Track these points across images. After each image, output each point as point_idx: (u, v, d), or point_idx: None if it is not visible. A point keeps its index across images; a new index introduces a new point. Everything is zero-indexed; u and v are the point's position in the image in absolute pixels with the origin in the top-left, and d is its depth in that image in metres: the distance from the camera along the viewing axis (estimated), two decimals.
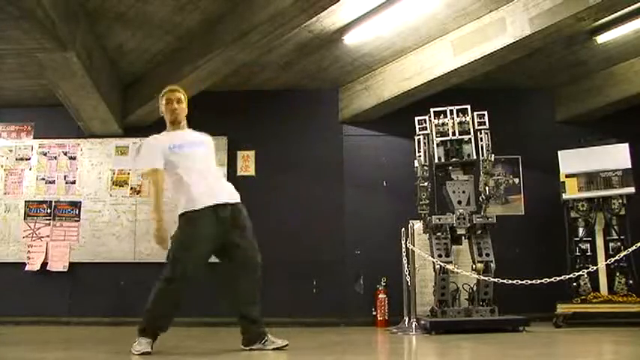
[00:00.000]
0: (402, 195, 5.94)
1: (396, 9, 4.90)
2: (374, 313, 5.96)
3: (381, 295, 5.92)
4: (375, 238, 6.18)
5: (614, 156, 5.56)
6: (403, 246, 5.47)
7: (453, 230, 5.15)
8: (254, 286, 3.85)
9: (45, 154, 6.58)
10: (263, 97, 6.54)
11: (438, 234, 5.19)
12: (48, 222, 6.41)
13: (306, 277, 6.16)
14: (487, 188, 5.14)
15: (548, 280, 4.75)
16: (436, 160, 5.30)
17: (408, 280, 5.29)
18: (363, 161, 6.51)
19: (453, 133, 5.30)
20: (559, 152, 5.76)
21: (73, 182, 6.51)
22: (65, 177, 6.52)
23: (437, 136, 5.31)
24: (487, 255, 5.03)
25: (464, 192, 5.28)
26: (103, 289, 6.24)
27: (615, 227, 5.47)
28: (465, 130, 5.29)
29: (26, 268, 6.25)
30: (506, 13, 5.01)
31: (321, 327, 5.82)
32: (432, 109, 5.40)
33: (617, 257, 4.99)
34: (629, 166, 5.47)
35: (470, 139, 5.28)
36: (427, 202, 5.25)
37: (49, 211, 6.44)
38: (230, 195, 3.87)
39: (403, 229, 5.51)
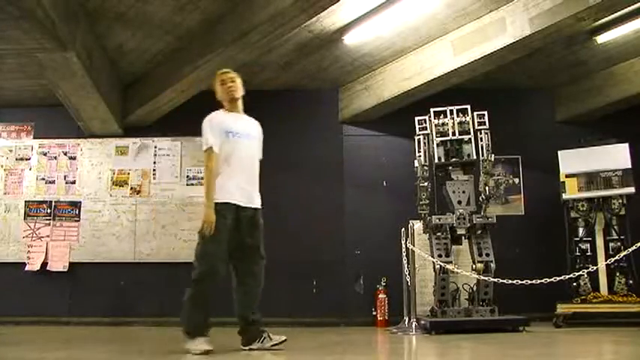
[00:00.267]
0: (402, 195, 5.94)
1: (396, 9, 4.90)
2: (374, 313, 5.96)
3: (381, 295, 5.92)
4: (375, 238, 6.18)
5: (614, 156, 5.56)
6: (403, 246, 5.47)
7: (453, 230, 5.15)
8: (258, 290, 3.90)
9: (45, 154, 6.58)
10: (263, 97, 6.50)
11: (438, 234, 5.19)
12: (48, 222, 6.42)
13: (306, 277, 6.16)
14: (487, 188, 5.14)
15: (548, 280, 4.75)
16: (436, 160, 5.30)
17: (408, 280, 5.29)
18: (363, 161, 6.51)
19: (453, 133, 5.30)
20: (559, 152, 5.76)
21: (73, 182, 6.51)
22: (65, 177, 6.53)
23: (437, 136, 5.31)
24: (487, 255, 5.03)
25: (464, 192, 5.28)
26: (103, 289, 6.24)
27: (615, 227, 5.47)
28: (465, 130, 5.29)
29: (26, 268, 6.25)
30: (506, 13, 5.01)
31: (321, 327, 5.82)
32: (432, 109, 5.40)
33: (617, 257, 4.99)
34: (629, 166, 5.47)
35: (470, 139, 5.28)
36: (427, 202, 5.25)
37: (49, 211, 6.44)
38: (257, 199, 3.96)
39: (403, 229, 5.52)
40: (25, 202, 6.46)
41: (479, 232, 5.14)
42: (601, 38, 5.44)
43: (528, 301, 5.31)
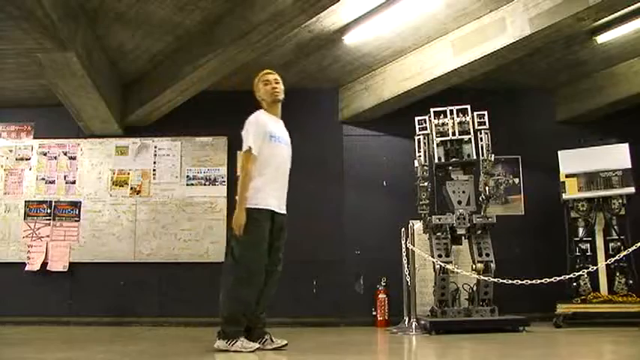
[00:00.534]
0: (402, 195, 5.94)
1: (396, 9, 4.90)
2: (374, 313, 5.95)
3: (381, 295, 5.92)
4: (375, 238, 6.18)
5: (614, 156, 5.55)
6: (403, 246, 5.47)
7: (453, 230, 5.15)
8: (272, 291, 3.95)
9: (45, 154, 6.58)
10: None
11: (438, 234, 5.19)
12: (48, 222, 6.41)
13: (306, 277, 6.16)
14: (487, 188, 5.14)
15: (548, 280, 4.75)
16: (436, 160, 5.30)
17: (408, 280, 5.29)
18: (363, 161, 6.50)
19: (453, 133, 5.30)
20: (559, 152, 5.76)
21: (73, 182, 6.51)
22: (65, 177, 6.52)
23: (437, 136, 5.31)
24: (487, 255, 5.03)
25: (464, 192, 5.28)
26: (103, 289, 6.24)
27: (615, 227, 5.47)
28: (465, 130, 5.29)
29: (26, 268, 6.25)
30: (506, 13, 5.01)
31: (321, 327, 5.82)
32: (432, 109, 5.40)
33: (617, 257, 4.99)
34: (629, 166, 5.47)
35: (470, 139, 5.28)
36: (427, 202, 5.25)
37: (49, 211, 6.44)
38: (285, 205, 3.97)
39: (403, 229, 5.52)
40: (25, 202, 6.46)
41: (479, 232, 5.14)
42: (601, 38, 5.44)
43: (528, 301, 5.32)
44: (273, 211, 3.86)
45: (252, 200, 3.80)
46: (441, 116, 5.36)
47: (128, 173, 6.50)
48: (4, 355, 3.79)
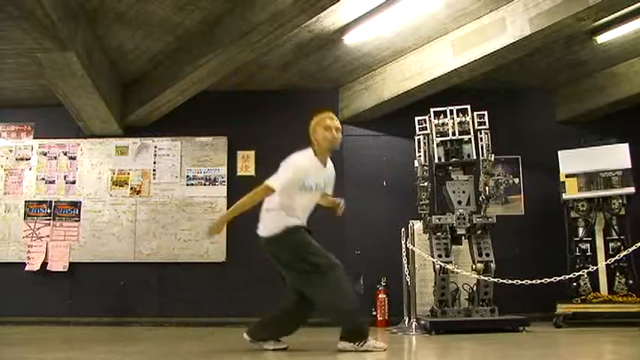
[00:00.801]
0: (402, 195, 5.94)
1: (396, 9, 4.90)
2: (374, 313, 5.95)
3: (381, 295, 5.92)
4: (375, 238, 6.18)
5: (614, 156, 5.55)
6: (403, 246, 5.47)
7: (453, 230, 5.15)
8: None
9: (45, 154, 6.58)
10: (263, 97, 6.54)
11: (438, 234, 5.19)
12: (48, 222, 6.41)
13: None
14: (487, 188, 5.14)
15: (548, 280, 4.75)
16: (436, 160, 5.30)
17: (408, 280, 5.29)
18: (363, 161, 6.50)
19: (453, 133, 5.30)
20: (559, 152, 5.76)
21: (73, 182, 6.51)
22: (65, 177, 6.52)
23: (437, 136, 5.31)
24: (487, 255, 5.03)
25: (464, 192, 5.28)
26: (103, 289, 6.24)
27: (615, 227, 5.47)
28: (465, 130, 5.29)
29: (26, 268, 6.25)
30: (507, 13, 5.01)
31: (321, 327, 5.81)
32: (432, 109, 5.40)
33: (617, 257, 4.99)
34: (629, 166, 5.47)
35: (470, 139, 5.28)
36: (427, 202, 5.25)
37: (49, 211, 6.44)
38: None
39: (403, 229, 5.51)
40: (25, 202, 6.46)
41: (479, 232, 5.14)
42: (601, 38, 5.44)
43: (528, 301, 5.31)
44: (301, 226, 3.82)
45: (280, 226, 3.74)
46: (441, 116, 5.36)
47: (128, 173, 6.50)
48: (4, 355, 3.79)
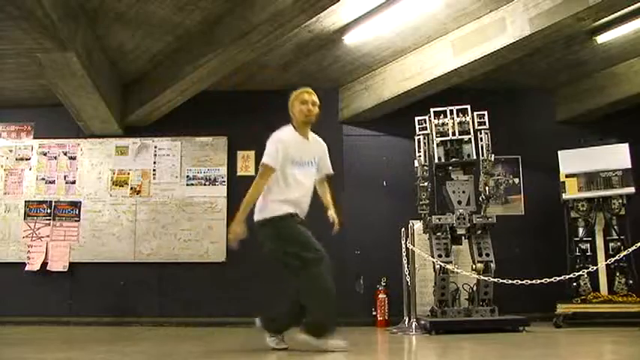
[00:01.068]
0: (402, 195, 5.94)
1: (396, 9, 4.90)
2: (374, 313, 5.95)
3: (381, 295, 5.92)
4: (375, 238, 6.18)
5: (614, 156, 5.55)
6: (403, 246, 5.47)
7: (453, 230, 5.15)
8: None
9: (45, 154, 6.58)
10: (263, 97, 6.53)
11: (438, 234, 5.19)
12: (48, 222, 6.41)
13: None
14: (487, 188, 5.14)
15: (548, 280, 4.75)
16: (436, 160, 5.30)
17: (408, 280, 5.29)
18: (363, 161, 6.51)
19: (453, 133, 5.30)
20: (559, 152, 5.76)
21: (73, 182, 6.51)
22: (65, 177, 6.52)
23: (437, 136, 5.31)
24: (487, 255, 5.03)
25: (464, 192, 5.28)
26: (103, 289, 6.24)
27: (615, 227, 5.47)
28: (465, 130, 5.29)
29: (26, 268, 6.25)
30: (507, 13, 5.01)
31: None
32: (432, 109, 5.40)
33: (617, 257, 4.99)
34: (629, 166, 5.47)
35: (470, 139, 5.28)
36: (427, 202, 5.25)
37: (49, 211, 6.44)
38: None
39: (403, 229, 5.51)
40: (25, 202, 6.46)
41: (479, 232, 5.14)
42: (601, 38, 5.44)
43: (528, 301, 5.32)
44: (294, 213, 3.82)
45: (272, 210, 3.77)
46: (441, 116, 5.36)
47: (128, 173, 6.50)
48: (4, 355, 3.79)
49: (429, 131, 5.38)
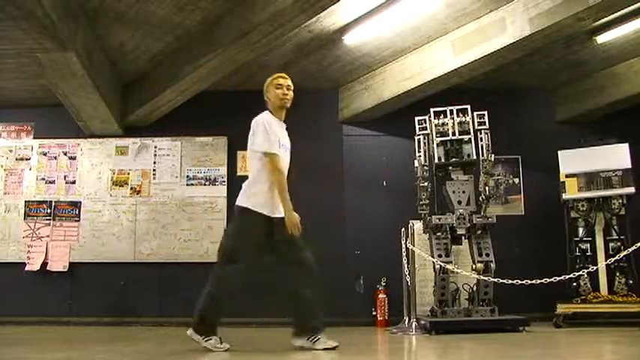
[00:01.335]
0: (402, 195, 5.94)
1: (396, 9, 4.90)
2: (374, 313, 5.95)
3: (381, 295, 5.92)
4: (375, 238, 6.18)
5: (614, 156, 5.55)
6: (403, 246, 5.47)
7: (453, 230, 5.15)
8: None
9: (45, 154, 6.58)
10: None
11: (438, 234, 5.19)
12: (48, 222, 6.41)
13: None
14: (487, 188, 5.14)
15: (548, 280, 4.75)
16: (436, 160, 5.30)
17: (408, 280, 5.29)
18: (363, 161, 6.51)
19: (453, 133, 5.30)
20: (559, 152, 5.76)
21: (73, 182, 6.51)
22: (65, 177, 6.52)
23: (437, 136, 5.31)
24: (487, 255, 5.02)
25: (464, 192, 5.28)
26: (103, 289, 6.24)
27: (615, 227, 5.47)
28: (465, 130, 5.29)
29: (26, 268, 6.25)
30: (507, 13, 5.01)
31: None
32: (432, 109, 5.40)
33: (617, 257, 4.99)
34: (629, 166, 5.47)
35: (470, 139, 5.28)
36: (427, 202, 5.25)
37: (49, 211, 6.44)
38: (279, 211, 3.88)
39: (403, 229, 5.51)
40: (25, 202, 6.46)
41: (479, 232, 5.14)
42: (601, 38, 5.44)
43: (528, 301, 5.32)
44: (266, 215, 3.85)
45: (254, 203, 3.83)
46: (441, 116, 5.36)
47: (128, 173, 6.50)
48: (4, 355, 3.79)
49: (429, 131, 5.38)
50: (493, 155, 5.22)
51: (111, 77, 5.84)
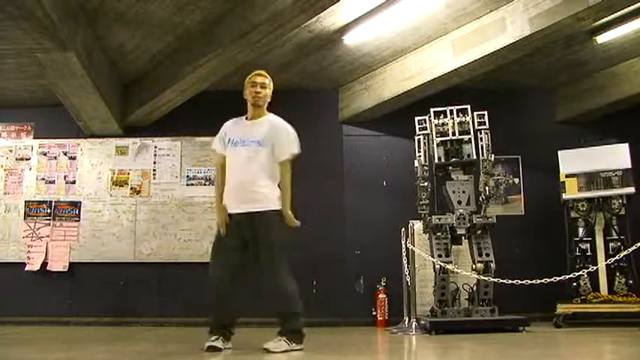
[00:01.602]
0: (402, 195, 5.94)
1: (396, 9, 4.90)
2: (374, 313, 5.95)
3: (381, 295, 5.92)
4: (375, 238, 6.18)
5: (614, 156, 5.56)
6: (403, 246, 5.47)
7: (453, 230, 5.15)
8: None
9: (45, 154, 6.57)
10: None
11: (438, 234, 5.19)
12: (48, 222, 6.41)
13: (306, 277, 6.14)
14: (487, 188, 5.14)
15: (548, 280, 4.75)
16: (436, 160, 5.30)
17: (408, 280, 5.29)
18: (363, 161, 6.50)
19: (453, 133, 5.30)
20: (559, 152, 5.76)
21: (73, 182, 6.51)
22: (65, 177, 6.52)
23: (437, 136, 5.31)
24: (487, 255, 5.03)
25: (464, 192, 5.28)
26: (103, 289, 6.24)
27: (615, 227, 5.47)
28: (465, 130, 5.30)
29: (26, 268, 6.24)
30: (506, 13, 5.01)
31: (321, 327, 5.81)
32: (432, 109, 5.40)
33: (617, 257, 4.99)
34: (629, 166, 5.47)
35: (470, 139, 5.28)
36: (427, 202, 5.25)
37: (49, 211, 6.44)
38: (254, 204, 3.88)
39: (403, 229, 5.51)
40: (25, 202, 6.46)
41: (479, 232, 5.14)
42: (601, 38, 5.44)
43: (528, 301, 5.32)
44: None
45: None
46: (441, 116, 5.36)
47: (128, 173, 6.50)
48: (4, 355, 3.79)
49: (429, 131, 5.38)
50: (493, 155, 5.22)
51: (111, 77, 5.84)
